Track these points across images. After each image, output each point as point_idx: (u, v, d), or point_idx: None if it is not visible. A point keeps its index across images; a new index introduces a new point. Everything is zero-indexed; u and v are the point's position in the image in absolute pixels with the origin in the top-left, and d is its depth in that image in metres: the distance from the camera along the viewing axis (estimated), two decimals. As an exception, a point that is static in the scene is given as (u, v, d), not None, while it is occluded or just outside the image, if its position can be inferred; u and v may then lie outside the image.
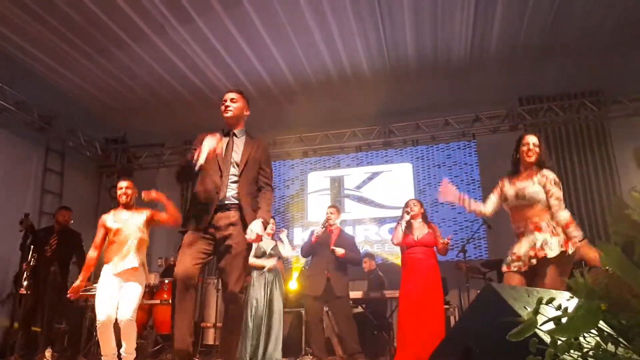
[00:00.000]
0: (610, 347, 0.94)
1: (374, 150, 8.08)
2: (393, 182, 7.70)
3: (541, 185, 3.10)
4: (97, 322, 3.82)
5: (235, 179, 2.91)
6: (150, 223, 4.08)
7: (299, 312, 6.44)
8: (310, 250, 5.25)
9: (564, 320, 0.93)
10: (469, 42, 6.58)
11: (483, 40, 6.55)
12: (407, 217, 4.73)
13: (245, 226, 2.84)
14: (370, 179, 7.91)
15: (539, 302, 0.97)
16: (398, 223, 4.81)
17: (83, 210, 7.97)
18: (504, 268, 3.11)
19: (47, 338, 4.91)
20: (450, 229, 6.59)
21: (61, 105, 7.68)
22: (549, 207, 3.08)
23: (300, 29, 6.26)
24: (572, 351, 0.95)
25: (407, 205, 4.84)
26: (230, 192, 2.88)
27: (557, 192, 3.10)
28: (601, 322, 0.99)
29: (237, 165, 2.93)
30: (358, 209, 7.80)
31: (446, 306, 5.90)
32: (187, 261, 2.78)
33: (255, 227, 2.77)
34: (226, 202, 2.87)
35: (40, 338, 4.82)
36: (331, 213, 5.35)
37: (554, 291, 1.50)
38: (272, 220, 5.34)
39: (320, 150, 8.29)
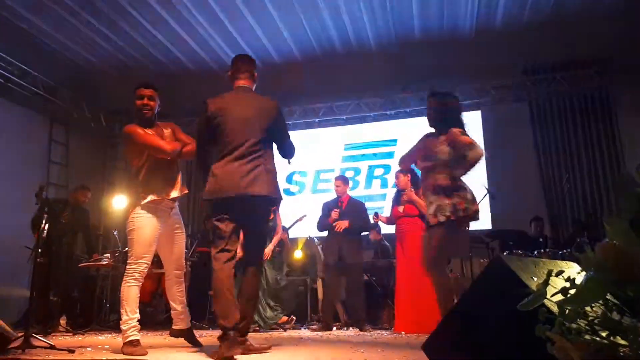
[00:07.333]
0: (616, 316, 1.00)
1: (379, 122, 8.07)
2: (399, 153, 7.70)
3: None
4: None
5: None
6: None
7: (304, 279, 6.59)
8: (325, 224, 5.37)
9: (572, 291, 0.98)
10: (475, 13, 6.49)
11: (489, 11, 6.47)
12: (394, 189, 4.91)
13: None
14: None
15: (549, 274, 1.03)
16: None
17: (89, 181, 8.04)
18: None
19: (62, 307, 5.02)
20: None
21: (66, 77, 7.65)
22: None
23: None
24: (579, 320, 1.01)
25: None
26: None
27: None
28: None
29: None
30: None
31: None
32: None
33: None
34: None
35: (55, 307, 4.93)
36: (337, 186, 5.43)
37: (560, 262, 1.56)
38: None
39: (325, 122, 8.28)
